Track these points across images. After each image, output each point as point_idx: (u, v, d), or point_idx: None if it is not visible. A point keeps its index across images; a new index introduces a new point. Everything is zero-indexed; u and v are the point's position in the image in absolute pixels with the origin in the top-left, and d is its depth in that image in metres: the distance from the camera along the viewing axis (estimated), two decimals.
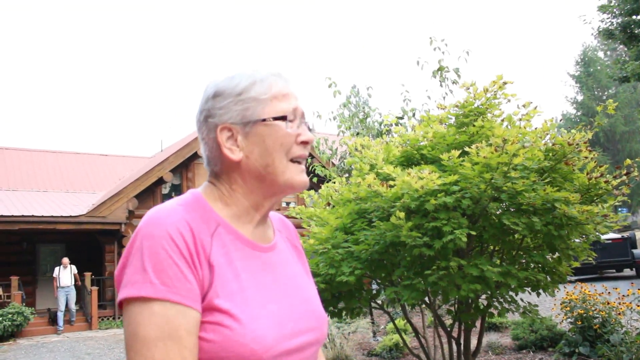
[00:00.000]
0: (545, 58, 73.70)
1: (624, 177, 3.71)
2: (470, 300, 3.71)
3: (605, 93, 37.17)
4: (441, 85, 6.42)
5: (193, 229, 0.96)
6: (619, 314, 5.77)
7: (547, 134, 3.64)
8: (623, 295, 6.05)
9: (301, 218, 4.59)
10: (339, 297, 4.17)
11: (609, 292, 6.36)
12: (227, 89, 1.05)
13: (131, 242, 0.96)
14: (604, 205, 3.62)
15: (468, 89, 3.77)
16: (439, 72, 6.40)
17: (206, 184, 1.11)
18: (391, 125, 6.42)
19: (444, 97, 6.55)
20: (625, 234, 15.54)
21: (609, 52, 40.81)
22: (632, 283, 6.27)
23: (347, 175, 6.21)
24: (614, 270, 16.05)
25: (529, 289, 3.64)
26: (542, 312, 7.54)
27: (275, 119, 1.03)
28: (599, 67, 36.92)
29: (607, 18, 12.18)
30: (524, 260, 3.74)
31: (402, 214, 3.07)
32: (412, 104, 6.84)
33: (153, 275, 0.91)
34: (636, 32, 11.21)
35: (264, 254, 1.08)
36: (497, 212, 3.38)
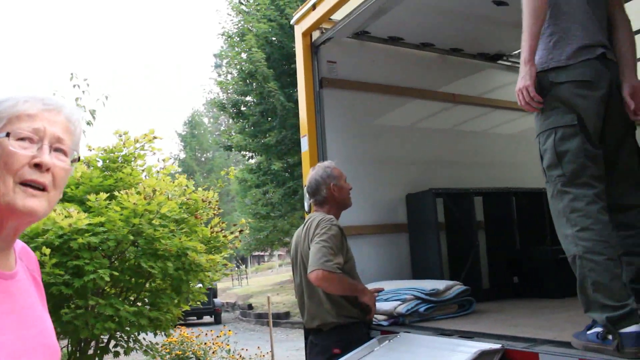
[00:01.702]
0: (164, 114, 77.69)
1: (237, 234, 4.44)
2: (96, 341, 3.76)
3: (205, 155, 41.07)
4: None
5: None
6: (213, 352, 6.54)
7: (184, 188, 4.09)
8: (216, 337, 6.88)
9: None
10: None
11: (206, 334, 7.13)
12: None
13: None
14: (221, 255, 4.24)
15: (121, 136, 3.95)
16: None
17: None
18: None
19: None
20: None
21: (212, 120, 45.63)
22: (212, 330, 7.36)
23: None
24: (195, 317, 17.31)
25: (152, 329, 3.92)
26: None
27: (1, 136, 0.98)
28: (202, 131, 40.71)
29: (222, 92, 13.95)
30: (151, 302, 4.01)
31: (47, 251, 3.00)
32: None
33: None
34: (243, 109, 13.13)
35: (4, 281, 1.03)
36: (135, 256, 3.60)
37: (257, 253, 34.86)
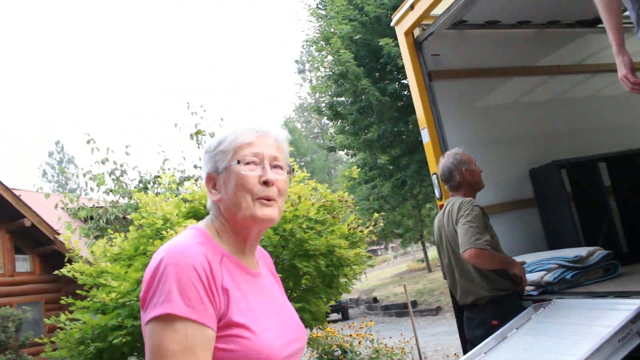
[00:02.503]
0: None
1: (372, 228, 4.74)
2: None
3: (303, 159, 42.11)
4: (198, 147, 6.96)
5: (210, 262, 1.16)
6: (359, 342, 6.90)
7: (319, 192, 4.46)
8: (359, 328, 7.25)
9: (78, 276, 4.49)
10: (134, 350, 4.23)
11: (349, 326, 7.53)
12: (208, 148, 1.30)
13: (155, 269, 1.13)
14: (360, 248, 4.56)
15: None
16: (196, 135, 6.94)
17: (206, 220, 1.33)
18: (177, 183, 6.65)
19: (200, 159, 7.04)
20: None
21: (304, 124, 46.67)
22: (354, 323, 7.75)
23: (123, 230, 6.17)
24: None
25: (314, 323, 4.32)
26: None
27: (238, 163, 1.24)
28: (297, 136, 41.76)
29: (311, 96, 14.41)
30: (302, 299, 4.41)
31: None
32: (169, 164, 7.17)
33: (178, 297, 1.09)
34: (339, 110, 13.50)
35: (255, 279, 1.29)
36: (289, 257, 4.00)
37: (371, 248, 35.41)
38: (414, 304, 15.53)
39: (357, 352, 7.12)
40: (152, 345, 1.09)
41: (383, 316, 16.22)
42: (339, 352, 7.06)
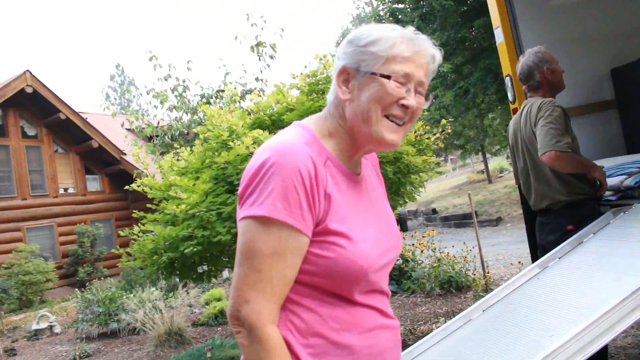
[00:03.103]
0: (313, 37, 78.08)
1: (438, 135, 4.60)
2: None
3: None
4: (259, 59, 6.85)
5: (316, 165, 1.11)
6: (421, 251, 6.97)
7: None
8: (419, 239, 7.29)
9: (148, 191, 4.62)
10: (204, 259, 4.39)
11: (405, 238, 7.58)
12: (357, 39, 1.19)
13: (258, 166, 1.09)
14: (427, 155, 4.46)
15: (320, 59, 4.27)
16: (257, 47, 6.82)
17: (317, 117, 1.26)
18: (240, 96, 6.65)
19: (262, 71, 7.01)
20: None
21: None
22: (416, 232, 7.73)
23: (188, 145, 6.29)
24: None
25: None
26: None
27: (382, 76, 1.15)
28: None
29: (377, 5, 13.85)
30: None
31: None
32: (231, 77, 7.13)
33: (278, 200, 1.06)
34: (399, 17, 12.97)
35: (358, 185, 1.25)
36: None
37: None
38: (476, 214, 15.45)
39: (419, 261, 7.21)
40: (243, 241, 1.10)
41: (442, 227, 16.26)
42: (401, 261, 7.16)
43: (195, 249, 3.89)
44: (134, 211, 4.69)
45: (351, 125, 1.20)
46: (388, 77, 1.15)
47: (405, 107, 1.17)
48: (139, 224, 4.39)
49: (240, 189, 1.15)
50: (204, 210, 3.94)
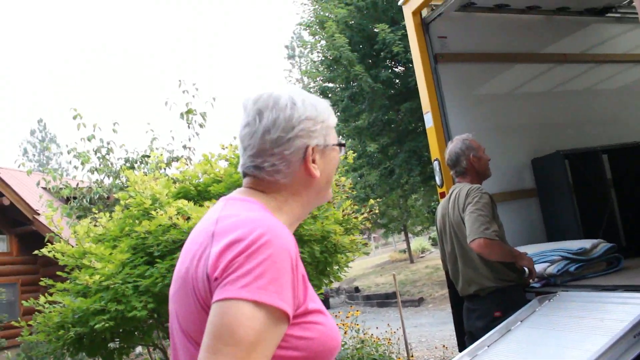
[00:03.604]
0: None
1: (367, 214, 4.61)
2: None
3: None
4: (189, 127, 6.74)
5: (296, 246, 1.06)
6: (344, 332, 6.79)
7: None
8: (345, 317, 7.14)
9: (59, 257, 4.29)
10: (115, 335, 4.06)
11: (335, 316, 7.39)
12: (316, 116, 1.20)
13: (251, 241, 0.99)
14: (355, 235, 4.43)
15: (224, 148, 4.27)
16: (187, 114, 6.72)
17: (251, 193, 1.19)
18: (165, 163, 6.43)
19: (190, 139, 6.89)
20: None
21: None
22: (340, 312, 7.67)
23: (107, 210, 5.96)
24: None
25: None
26: None
27: (340, 145, 1.26)
28: None
29: (308, 82, 14.22)
30: None
31: None
32: (158, 143, 6.94)
33: (271, 284, 0.97)
34: (330, 96, 13.33)
35: None
36: None
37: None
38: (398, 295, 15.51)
39: (343, 342, 7.02)
40: (223, 324, 0.95)
41: (364, 306, 16.17)
42: None
43: (107, 325, 3.59)
44: (42, 278, 4.33)
45: (311, 197, 1.23)
46: (344, 144, 1.28)
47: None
48: (46, 294, 4.03)
49: (221, 263, 1.00)
50: (120, 282, 3.68)
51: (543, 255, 3.38)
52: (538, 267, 3.24)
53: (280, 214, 1.17)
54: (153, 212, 3.82)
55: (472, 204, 2.90)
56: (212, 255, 1.02)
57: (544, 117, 4.43)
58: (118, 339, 4.18)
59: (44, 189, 8.32)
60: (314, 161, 1.19)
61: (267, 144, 1.16)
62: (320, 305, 1.10)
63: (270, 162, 1.17)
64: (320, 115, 1.21)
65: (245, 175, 1.22)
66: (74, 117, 6.79)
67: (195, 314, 1.05)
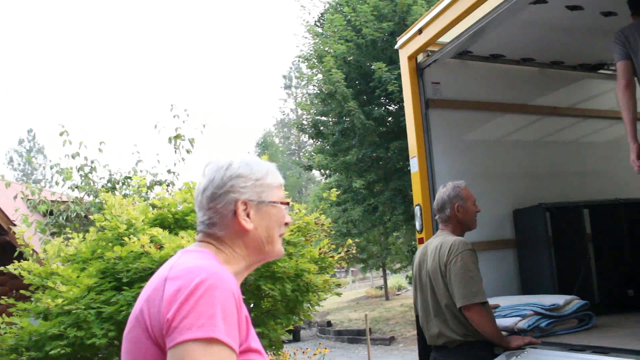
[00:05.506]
0: (237, 134, 78.67)
1: (343, 254, 4.55)
2: None
3: None
4: (175, 152, 6.68)
5: (239, 288, 1.21)
6: None
7: (296, 212, 4.26)
8: (312, 354, 7.02)
9: (25, 275, 4.18)
10: None
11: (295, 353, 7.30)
12: (248, 174, 1.34)
13: (194, 288, 1.10)
14: (328, 274, 4.36)
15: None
16: (175, 139, 6.67)
17: (204, 246, 1.33)
18: (148, 186, 6.33)
19: (175, 164, 6.81)
20: None
21: (282, 139, 46.54)
22: (308, 348, 7.60)
23: (83, 229, 5.83)
24: None
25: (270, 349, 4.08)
26: None
27: (282, 203, 1.38)
28: (274, 151, 41.54)
29: (293, 113, 14.28)
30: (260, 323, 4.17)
31: None
32: (142, 165, 6.85)
33: (221, 322, 1.09)
34: (321, 129, 13.39)
35: None
36: (254, 278, 3.77)
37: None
38: (370, 331, 15.33)
39: None
40: None
41: (335, 341, 15.96)
42: None
43: (63, 351, 3.46)
44: (2, 297, 4.20)
45: (252, 250, 1.35)
46: (287, 203, 1.40)
47: (287, 225, 1.42)
48: (4, 315, 3.90)
49: (173, 306, 1.11)
50: (82, 308, 3.56)
51: (515, 309, 3.34)
52: (509, 321, 3.20)
53: (228, 265, 1.30)
54: (126, 238, 3.73)
55: (459, 261, 2.83)
56: (165, 298, 1.13)
57: (529, 167, 4.45)
58: None
59: (22, 199, 8.15)
60: (248, 215, 1.32)
61: (204, 200, 1.34)
62: (259, 346, 1.23)
63: (208, 216, 1.33)
64: (254, 174, 1.35)
65: (198, 231, 1.37)
66: (60, 134, 6.71)
67: (147, 354, 1.15)
